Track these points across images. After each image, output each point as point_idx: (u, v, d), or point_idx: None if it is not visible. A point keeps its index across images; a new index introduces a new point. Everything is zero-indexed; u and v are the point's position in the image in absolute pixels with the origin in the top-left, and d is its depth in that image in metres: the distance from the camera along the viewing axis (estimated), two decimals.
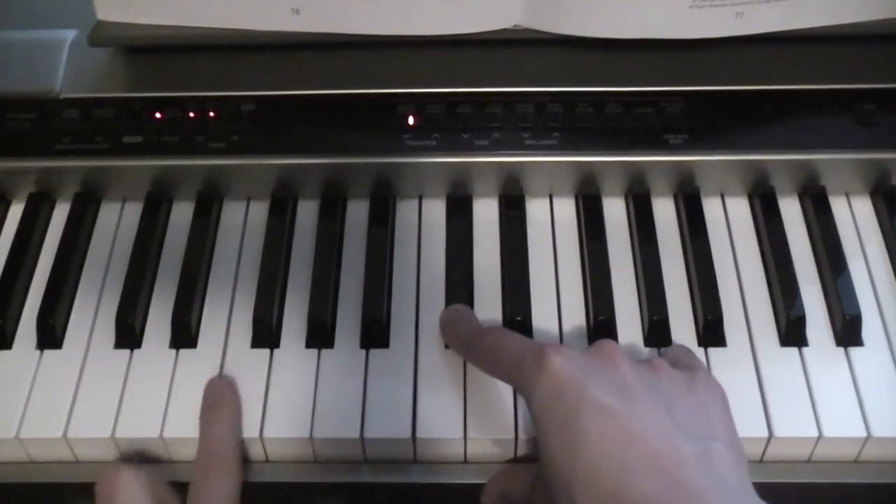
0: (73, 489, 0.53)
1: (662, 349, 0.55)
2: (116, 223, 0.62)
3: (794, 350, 0.55)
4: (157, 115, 0.60)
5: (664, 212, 0.61)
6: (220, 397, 0.53)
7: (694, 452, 0.42)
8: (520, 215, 0.61)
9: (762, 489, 0.53)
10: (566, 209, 0.62)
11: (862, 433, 0.51)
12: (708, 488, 0.41)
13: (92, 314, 0.57)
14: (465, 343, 0.52)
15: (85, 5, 0.62)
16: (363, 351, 0.55)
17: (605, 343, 0.47)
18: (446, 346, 0.55)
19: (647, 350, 0.55)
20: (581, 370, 0.45)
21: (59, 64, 0.63)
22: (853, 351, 0.55)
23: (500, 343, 0.50)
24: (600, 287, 0.57)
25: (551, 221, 0.61)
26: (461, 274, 0.58)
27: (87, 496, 0.53)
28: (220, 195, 0.62)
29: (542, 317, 0.56)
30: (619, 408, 0.43)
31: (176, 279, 0.58)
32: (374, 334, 0.55)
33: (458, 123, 0.59)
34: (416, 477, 0.53)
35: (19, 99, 0.61)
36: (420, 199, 0.62)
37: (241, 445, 0.52)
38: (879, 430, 0.51)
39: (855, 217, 0.61)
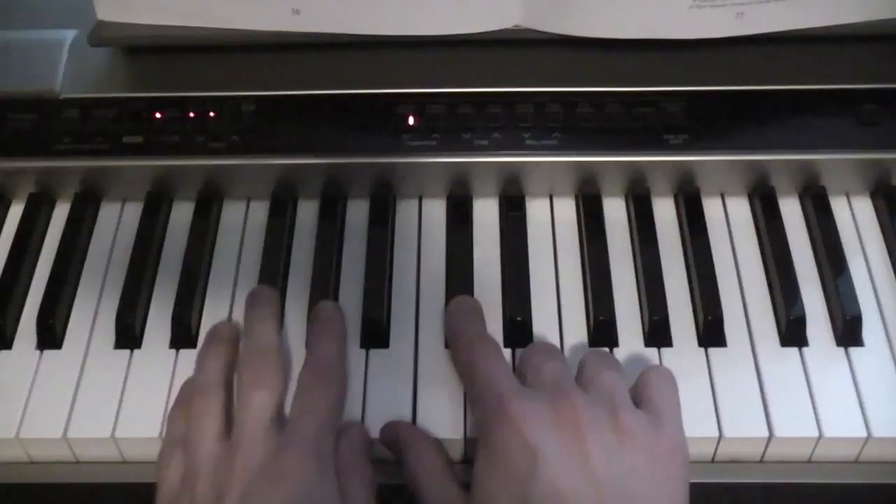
0: (72, 490, 0.53)
1: (648, 368, 0.52)
2: (116, 223, 0.62)
3: (794, 350, 0.55)
4: (157, 115, 0.60)
5: (664, 212, 0.61)
6: (331, 316, 0.54)
7: None
8: (520, 215, 0.61)
9: (762, 489, 0.53)
10: (566, 209, 0.62)
11: (862, 433, 0.51)
12: None
13: (92, 314, 0.57)
14: (454, 342, 0.53)
15: (85, 5, 0.62)
16: (363, 351, 0.55)
17: (573, 400, 0.45)
18: (446, 346, 0.55)
19: (646, 350, 0.55)
20: (539, 432, 0.44)
21: (59, 64, 0.63)
22: (853, 351, 0.55)
23: (477, 364, 0.49)
24: (600, 287, 0.57)
25: (551, 221, 0.61)
26: (461, 274, 0.58)
27: (86, 496, 0.53)
28: (220, 195, 0.62)
29: (542, 317, 0.56)
30: (571, 493, 0.42)
31: (176, 279, 0.58)
32: (374, 334, 0.55)
33: (459, 123, 0.59)
34: None
35: (19, 99, 0.61)
36: (420, 199, 0.62)
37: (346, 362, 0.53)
38: (880, 431, 0.51)
39: (855, 217, 0.61)
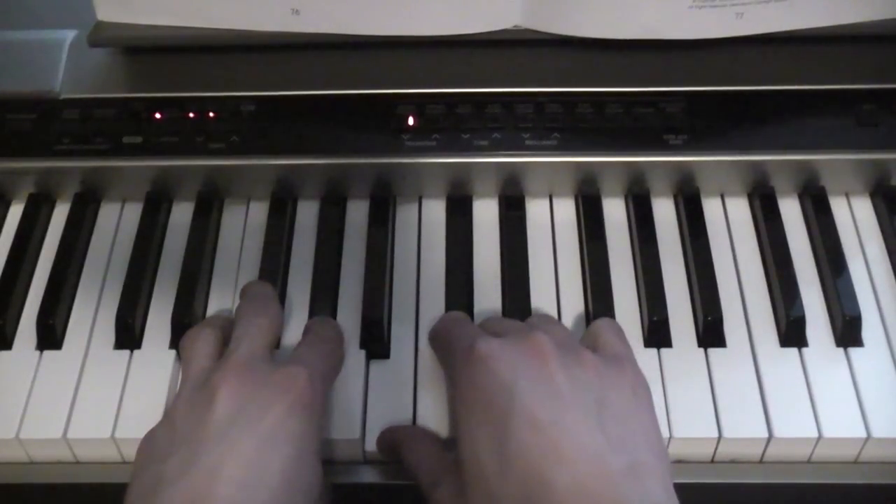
0: (72, 490, 0.53)
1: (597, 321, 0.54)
2: (116, 223, 0.62)
3: (794, 350, 0.55)
4: (157, 115, 0.60)
5: (664, 212, 0.61)
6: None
7: (621, 467, 0.42)
8: (520, 215, 0.61)
9: (762, 489, 0.53)
10: (566, 209, 0.62)
11: (862, 434, 0.51)
12: None
13: (92, 314, 0.57)
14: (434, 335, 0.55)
15: (85, 5, 0.62)
16: (363, 352, 0.55)
17: (536, 336, 0.47)
18: None
19: (646, 351, 0.55)
20: (511, 368, 0.45)
21: (59, 64, 0.63)
22: (853, 351, 0.55)
23: (447, 326, 0.52)
24: (600, 287, 0.57)
25: (551, 221, 0.61)
26: (461, 274, 0.58)
27: (86, 496, 0.53)
28: (220, 195, 0.62)
29: None
30: (549, 421, 0.43)
31: (176, 279, 0.58)
32: (374, 334, 0.55)
33: (458, 124, 0.59)
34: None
35: (19, 99, 0.61)
36: (420, 199, 0.62)
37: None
38: (879, 431, 0.51)
39: (855, 217, 0.61)
